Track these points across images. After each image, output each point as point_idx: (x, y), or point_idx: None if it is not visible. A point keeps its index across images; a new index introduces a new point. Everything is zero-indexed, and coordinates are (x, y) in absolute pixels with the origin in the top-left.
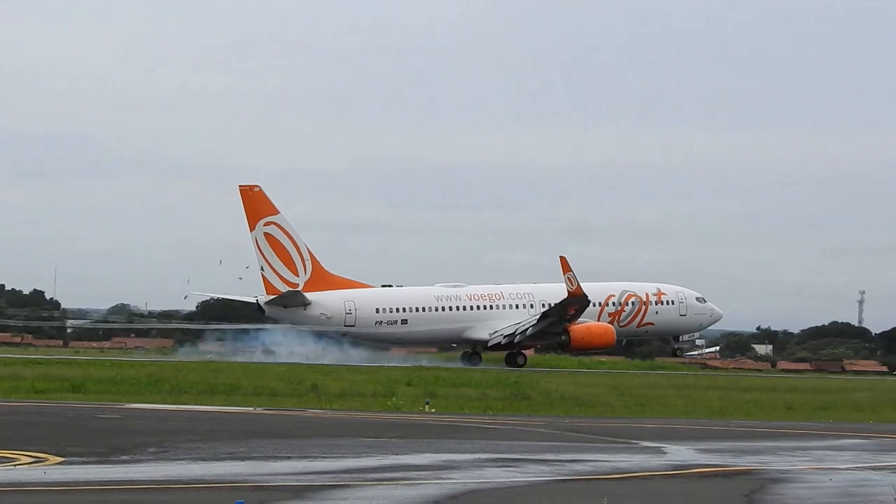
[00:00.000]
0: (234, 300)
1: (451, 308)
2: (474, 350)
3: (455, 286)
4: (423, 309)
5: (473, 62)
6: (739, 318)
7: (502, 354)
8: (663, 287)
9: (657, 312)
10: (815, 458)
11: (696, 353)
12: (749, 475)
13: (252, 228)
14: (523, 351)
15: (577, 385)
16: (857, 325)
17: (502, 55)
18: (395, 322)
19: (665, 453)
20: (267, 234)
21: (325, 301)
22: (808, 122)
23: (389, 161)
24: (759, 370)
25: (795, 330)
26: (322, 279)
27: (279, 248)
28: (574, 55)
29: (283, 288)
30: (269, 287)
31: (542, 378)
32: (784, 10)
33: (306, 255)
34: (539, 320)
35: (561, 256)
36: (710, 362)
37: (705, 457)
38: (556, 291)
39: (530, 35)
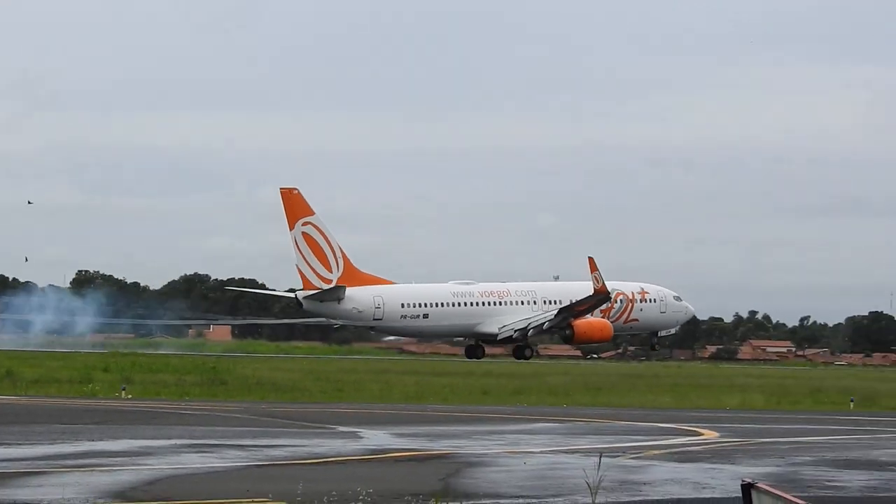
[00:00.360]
0: (271, 294)
1: (465, 304)
2: (478, 343)
3: (467, 283)
4: (442, 304)
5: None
6: None
7: (500, 348)
8: (646, 286)
9: (641, 310)
10: (510, 442)
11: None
12: (444, 459)
13: (291, 228)
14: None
15: (273, 370)
16: None
17: None
18: (418, 316)
19: (361, 438)
20: (304, 234)
21: (356, 296)
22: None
23: (81, 145)
24: (454, 355)
25: None
26: (352, 276)
27: (315, 247)
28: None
29: (319, 283)
30: (306, 282)
31: (238, 364)
32: None
33: (339, 254)
34: (556, 315)
35: (589, 257)
36: (406, 347)
37: (401, 441)
38: (556, 289)
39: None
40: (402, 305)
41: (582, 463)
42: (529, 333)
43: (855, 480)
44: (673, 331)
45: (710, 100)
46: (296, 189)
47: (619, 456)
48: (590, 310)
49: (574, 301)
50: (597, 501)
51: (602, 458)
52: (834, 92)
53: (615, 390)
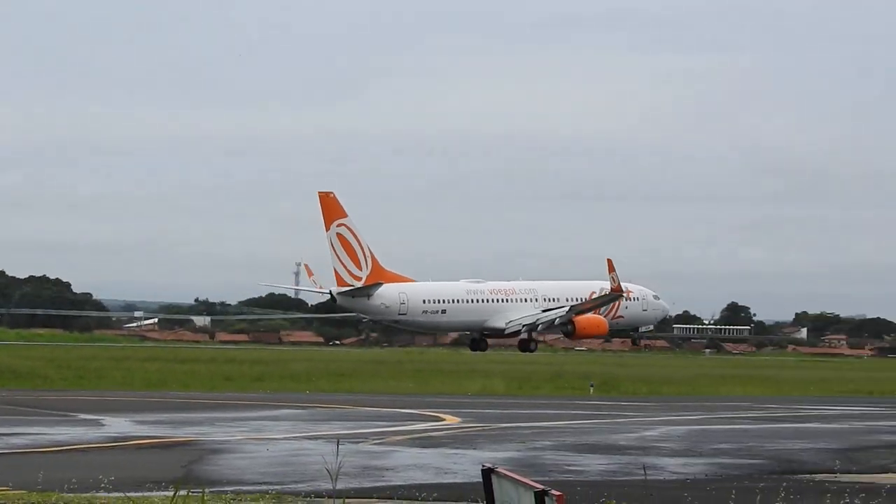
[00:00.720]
0: (304, 290)
1: (477, 301)
2: (482, 337)
3: (478, 282)
4: (458, 301)
5: None
6: (178, 290)
7: (502, 341)
8: (631, 286)
9: (626, 307)
10: (253, 429)
11: (134, 324)
12: (188, 446)
13: (327, 229)
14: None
15: (13, 357)
16: (293, 297)
17: None
18: (437, 312)
19: (103, 425)
20: (339, 235)
21: (384, 293)
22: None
23: None
24: (197, 342)
25: (234, 301)
26: (379, 274)
27: (348, 247)
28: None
29: (351, 281)
30: (339, 280)
31: None
32: None
33: (367, 253)
34: (567, 311)
35: (608, 259)
36: (149, 334)
37: (144, 428)
38: (555, 288)
39: None
40: (424, 301)
41: (325, 449)
42: (539, 328)
43: (594, 464)
44: (651, 327)
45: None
46: (332, 193)
47: (361, 442)
48: (598, 307)
49: (583, 299)
50: (338, 487)
51: (344, 444)
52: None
53: (358, 376)
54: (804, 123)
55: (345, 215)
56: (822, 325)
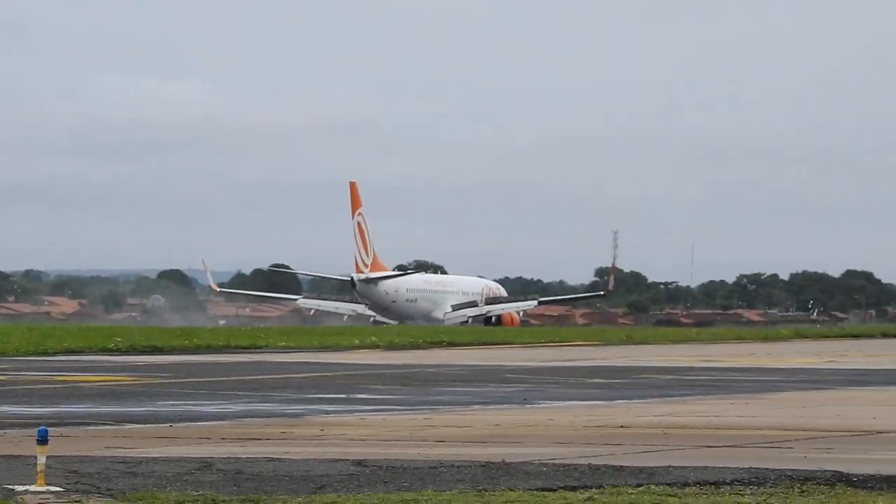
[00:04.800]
0: (330, 278)
1: (433, 292)
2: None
3: (433, 274)
4: (424, 291)
5: None
6: None
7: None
8: (491, 283)
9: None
10: None
11: None
12: None
13: (352, 217)
14: None
15: None
16: None
17: None
18: (412, 300)
19: None
20: (358, 223)
21: (386, 283)
22: None
23: None
24: None
25: None
26: (376, 264)
27: (363, 235)
28: None
29: (364, 268)
30: (357, 267)
31: None
32: None
33: (371, 243)
34: (492, 306)
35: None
36: None
37: None
38: (468, 283)
39: None
40: (407, 290)
41: None
42: (469, 322)
43: None
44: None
45: None
46: (355, 182)
47: None
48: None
49: (480, 294)
50: None
51: None
52: None
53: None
54: None
55: (361, 205)
56: None
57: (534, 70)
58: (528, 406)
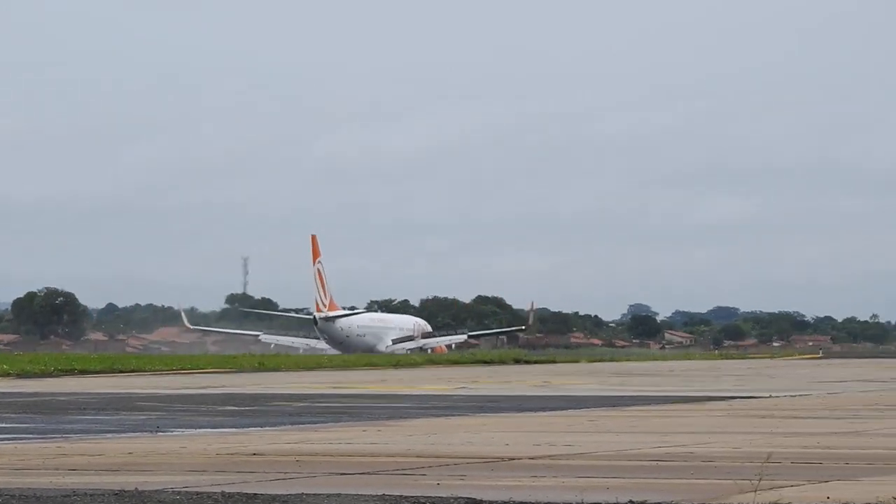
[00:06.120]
0: (295, 316)
1: (377, 328)
2: None
3: (380, 312)
4: (371, 327)
5: None
6: None
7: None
8: (420, 320)
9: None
10: None
11: None
12: None
13: (313, 263)
14: None
15: None
16: None
17: None
18: (362, 335)
19: None
20: (318, 270)
21: (340, 321)
22: None
23: None
24: None
25: None
26: (331, 304)
27: (321, 280)
28: None
29: (323, 307)
30: (318, 307)
31: None
32: None
33: (328, 287)
34: (427, 340)
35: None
36: None
37: None
38: (403, 321)
39: None
40: (357, 326)
41: None
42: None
43: None
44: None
45: None
46: (315, 235)
47: None
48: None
49: (410, 330)
50: None
51: None
52: None
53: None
54: None
55: (319, 255)
56: None
57: None
58: (160, 434)
